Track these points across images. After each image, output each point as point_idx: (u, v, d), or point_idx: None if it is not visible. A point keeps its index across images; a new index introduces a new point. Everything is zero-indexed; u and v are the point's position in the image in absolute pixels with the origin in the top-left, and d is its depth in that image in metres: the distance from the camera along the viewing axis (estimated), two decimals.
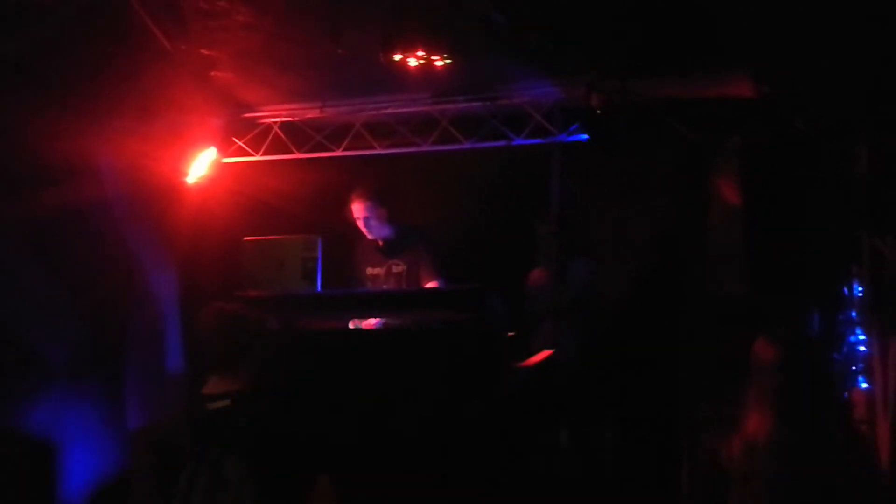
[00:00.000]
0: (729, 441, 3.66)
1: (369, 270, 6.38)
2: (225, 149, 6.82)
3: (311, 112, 6.70)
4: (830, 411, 3.86)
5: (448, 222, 6.76)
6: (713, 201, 5.88)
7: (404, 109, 6.60)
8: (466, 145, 6.59)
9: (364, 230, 6.28)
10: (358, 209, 6.24)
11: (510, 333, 5.85)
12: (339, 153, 6.81)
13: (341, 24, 4.64)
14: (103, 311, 5.54)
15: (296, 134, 6.83)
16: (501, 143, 6.53)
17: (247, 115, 6.76)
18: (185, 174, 6.41)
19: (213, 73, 5.59)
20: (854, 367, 5.42)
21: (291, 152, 6.83)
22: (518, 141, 6.49)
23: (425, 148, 6.69)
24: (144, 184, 5.84)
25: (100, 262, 5.52)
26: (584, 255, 6.37)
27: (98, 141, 5.26)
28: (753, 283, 5.66)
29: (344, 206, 6.32)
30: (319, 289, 5.87)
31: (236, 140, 6.85)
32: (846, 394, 5.43)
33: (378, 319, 5.70)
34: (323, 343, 5.29)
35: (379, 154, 6.78)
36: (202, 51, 5.13)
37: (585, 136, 6.22)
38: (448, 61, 4.67)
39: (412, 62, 4.68)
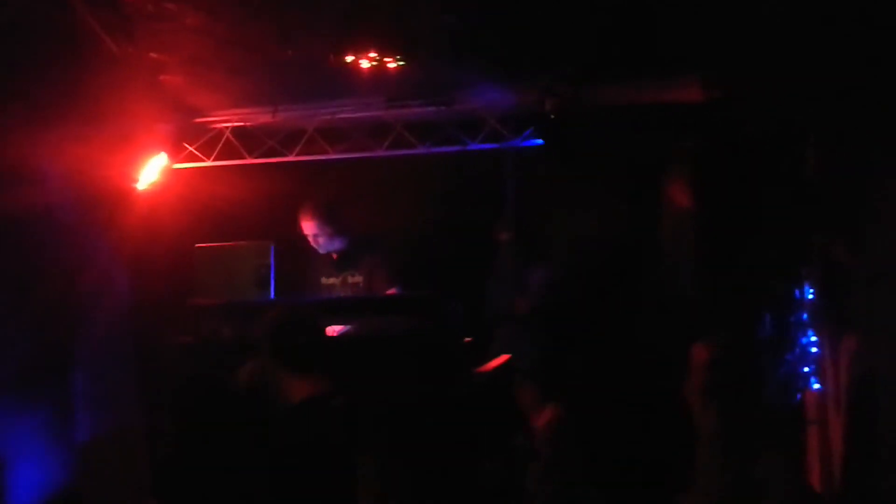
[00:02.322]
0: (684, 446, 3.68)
1: (324, 280, 6.34)
2: (176, 154, 6.73)
3: (263, 117, 6.62)
4: (759, 410, 3.92)
5: (403, 227, 6.73)
6: (665, 205, 5.90)
7: (358, 114, 6.55)
8: (421, 150, 6.56)
9: (316, 246, 6.24)
10: (307, 226, 6.21)
11: (467, 339, 5.84)
12: (291, 158, 6.75)
13: (291, 26, 4.59)
14: (50, 320, 5.43)
15: (248, 139, 6.75)
16: (456, 147, 6.52)
17: (198, 119, 6.66)
18: (135, 180, 6.31)
19: (162, 78, 5.51)
20: (806, 369, 5.46)
21: (243, 158, 6.75)
22: (473, 146, 6.48)
23: (379, 153, 6.65)
24: (93, 190, 5.74)
25: (47, 270, 5.41)
26: (542, 261, 6.37)
27: (44, 146, 5.16)
28: (705, 285, 5.69)
29: (297, 212, 6.28)
30: (273, 296, 5.81)
31: (187, 145, 6.76)
32: (799, 395, 5.48)
33: (338, 326, 5.67)
34: None
35: (332, 159, 6.73)
36: (151, 55, 5.05)
37: (540, 142, 6.23)
38: (401, 63, 4.64)
39: (364, 63, 4.64)
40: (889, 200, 4.23)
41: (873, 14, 4.09)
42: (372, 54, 4.57)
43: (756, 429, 5.11)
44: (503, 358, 6.11)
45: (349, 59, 4.57)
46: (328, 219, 6.22)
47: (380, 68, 4.62)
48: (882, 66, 4.19)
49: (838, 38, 4.22)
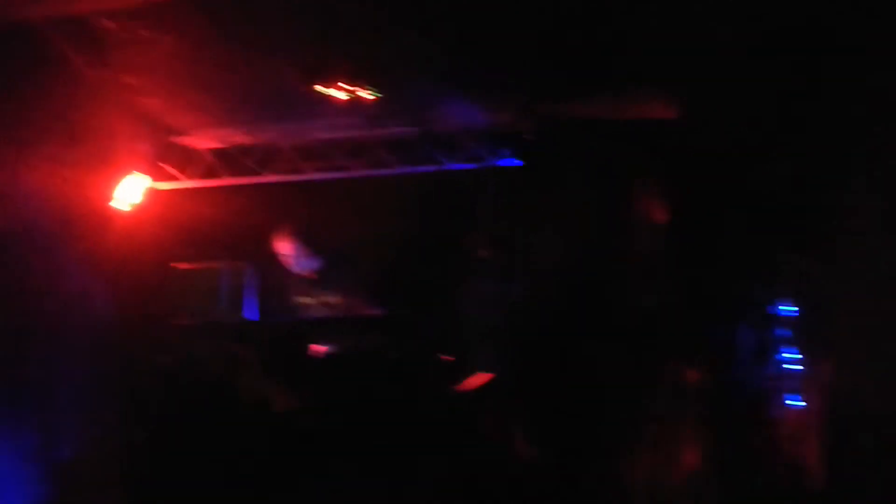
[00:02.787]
0: (655, 461, 3.69)
1: (300, 300, 6.35)
2: (154, 174, 6.71)
3: (240, 137, 6.63)
4: (754, 429, 3.92)
5: (381, 245, 6.74)
6: (639, 219, 5.93)
7: (335, 134, 6.56)
8: (399, 170, 6.58)
9: (291, 266, 6.25)
10: (284, 246, 6.22)
11: (446, 357, 5.85)
12: (268, 178, 6.75)
13: (262, 57, 4.60)
14: (30, 340, 5.41)
15: (226, 159, 6.76)
16: (434, 167, 6.53)
17: (176, 140, 6.67)
18: (114, 200, 6.29)
19: (138, 99, 5.50)
20: (784, 385, 5.49)
21: (221, 177, 6.75)
22: (450, 165, 6.50)
23: (357, 172, 6.66)
24: (71, 210, 5.72)
25: (26, 289, 5.39)
26: (516, 276, 6.39)
27: (22, 168, 5.15)
28: (679, 300, 5.72)
29: (274, 232, 6.28)
30: (251, 316, 5.82)
31: (165, 165, 6.75)
32: (779, 412, 5.51)
33: (322, 346, 5.69)
34: None
35: (310, 179, 6.73)
36: (126, 77, 5.05)
37: (517, 162, 6.26)
38: (374, 92, 4.66)
39: (339, 94, 4.66)
40: (859, 218, 4.28)
41: (834, 34, 4.15)
42: (346, 86, 4.58)
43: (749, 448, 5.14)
44: (485, 377, 6.12)
45: (321, 89, 4.57)
46: (305, 237, 6.23)
47: (355, 98, 4.63)
48: (844, 85, 4.24)
49: (805, 59, 4.27)
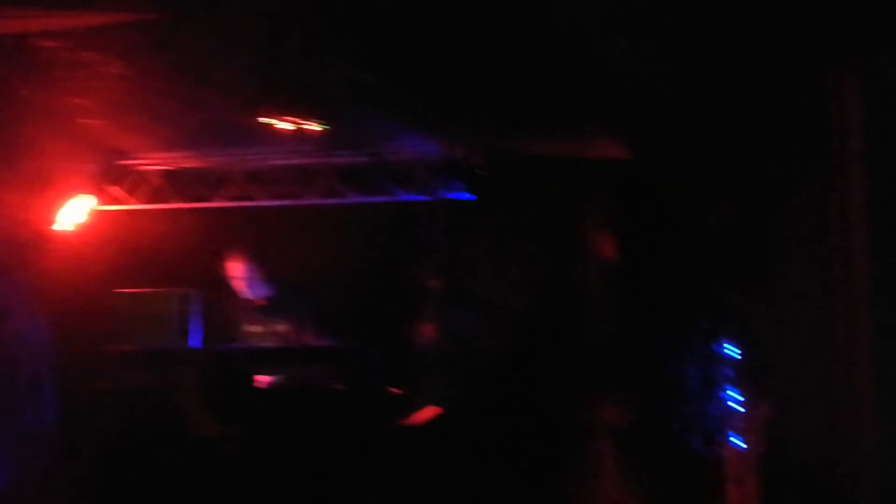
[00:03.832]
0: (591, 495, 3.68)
1: (249, 328, 6.27)
2: (101, 196, 6.63)
3: (190, 161, 6.57)
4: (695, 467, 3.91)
5: (331, 276, 6.69)
6: (587, 254, 5.95)
7: (286, 161, 6.52)
8: (350, 199, 6.55)
9: (241, 290, 6.17)
10: (235, 268, 6.15)
11: (394, 390, 5.81)
12: (218, 204, 6.68)
13: (202, 89, 4.57)
14: None
15: (174, 182, 6.68)
16: (386, 198, 6.51)
17: (123, 162, 6.59)
18: (56, 222, 6.20)
19: (83, 121, 5.43)
20: (728, 424, 5.50)
21: (170, 201, 6.68)
22: (403, 196, 6.48)
23: (309, 200, 6.62)
24: (11, 232, 5.62)
25: None
26: (468, 307, 6.37)
27: None
28: (625, 337, 5.73)
29: (223, 257, 6.21)
30: (196, 343, 5.75)
31: (111, 187, 6.67)
32: (721, 451, 5.51)
33: (266, 377, 5.62)
34: None
35: (261, 205, 6.67)
36: (69, 99, 4.98)
37: (469, 195, 6.26)
38: (321, 125, 4.64)
39: (283, 126, 4.63)
40: (798, 262, 4.30)
41: (779, 79, 4.19)
42: (290, 119, 4.55)
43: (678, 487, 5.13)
44: (432, 410, 6.08)
45: (266, 121, 4.54)
46: (257, 263, 6.18)
47: (301, 129, 4.60)
48: (795, 125, 4.27)
49: (750, 98, 4.31)
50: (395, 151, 6.31)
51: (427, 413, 6.05)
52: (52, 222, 6.16)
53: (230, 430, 5.08)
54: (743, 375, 5.27)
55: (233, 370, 5.25)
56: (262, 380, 5.66)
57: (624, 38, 4.07)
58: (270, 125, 4.70)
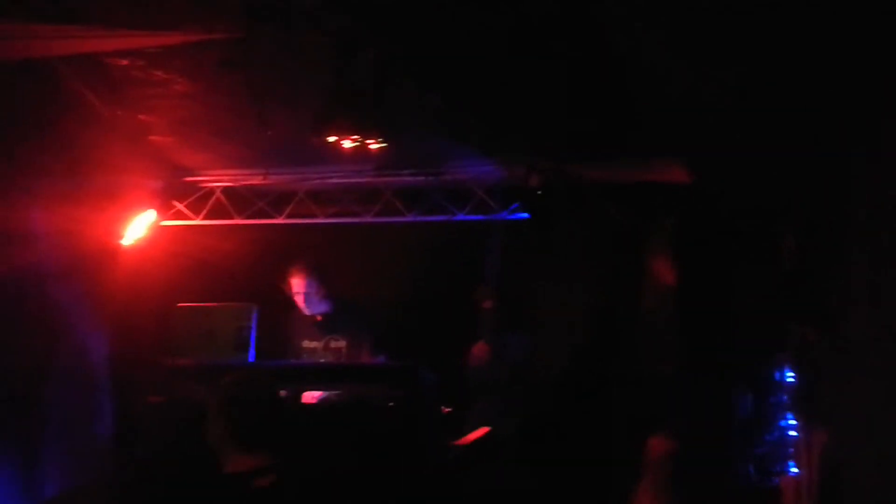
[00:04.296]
0: None
1: (306, 344, 6.32)
2: (165, 212, 6.76)
3: (254, 178, 6.67)
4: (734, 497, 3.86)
5: (388, 294, 6.74)
6: (647, 281, 5.93)
7: (348, 180, 6.60)
8: (409, 218, 6.61)
9: (302, 305, 6.22)
10: (297, 284, 6.20)
11: (446, 409, 5.80)
12: (281, 220, 6.78)
13: (269, 106, 4.66)
14: (26, 373, 5.41)
15: (238, 199, 6.80)
16: (444, 217, 6.56)
17: (187, 178, 6.72)
18: (121, 237, 6.33)
19: (151, 137, 5.55)
20: (784, 452, 5.43)
21: (233, 217, 6.79)
22: (461, 216, 6.53)
23: (368, 219, 6.69)
24: (77, 246, 5.75)
25: (26, 324, 5.41)
26: (522, 331, 6.36)
27: (30, 204, 5.20)
28: (683, 363, 5.69)
29: (283, 273, 6.28)
30: (252, 359, 5.80)
31: (176, 203, 6.80)
32: (777, 479, 5.44)
33: (316, 393, 5.64)
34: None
35: (321, 223, 6.76)
36: (139, 116, 5.11)
37: (526, 215, 6.28)
38: (383, 144, 4.69)
39: (346, 144, 4.69)
40: (863, 292, 4.25)
41: (851, 106, 4.16)
42: (354, 136, 4.62)
43: None
44: (482, 431, 6.07)
45: (331, 139, 4.61)
46: (319, 277, 6.22)
47: (363, 147, 4.67)
48: (856, 159, 4.24)
49: (816, 131, 4.29)
50: (454, 171, 6.36)
51: (478, 433, 6.04)
52: (117, 236, 6.29)
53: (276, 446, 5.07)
54: (801, 403, 5.21)
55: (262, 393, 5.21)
56: (312, 395, 5.70)
57: (689, 64, 4.08)
58: (333, 144, 4.77)
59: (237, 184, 6.73)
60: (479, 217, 6.51)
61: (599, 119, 4.96)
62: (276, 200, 6.81)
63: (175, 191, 6.77)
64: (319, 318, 6.31)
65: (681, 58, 4.17)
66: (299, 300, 6.23)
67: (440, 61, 4.33)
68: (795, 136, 4.41)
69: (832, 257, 4.67)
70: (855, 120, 4.19)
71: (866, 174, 4.22)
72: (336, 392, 5.64)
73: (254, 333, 5.85)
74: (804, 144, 4.42)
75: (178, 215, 6.83)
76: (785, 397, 5.44)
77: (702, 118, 4.58)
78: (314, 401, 5.60)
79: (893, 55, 3.85)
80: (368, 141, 4.64)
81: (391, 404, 5.45)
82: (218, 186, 6.76)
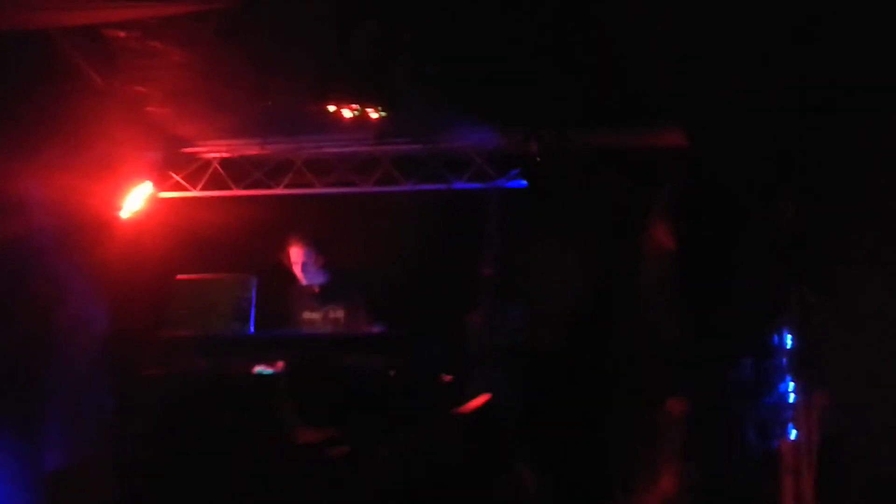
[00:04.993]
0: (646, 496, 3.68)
1: (306, 315, 6.33)
2: (162, 183, 6.73)
3: (250, 148, 6.65)
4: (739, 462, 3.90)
5: (386, 263, 6.73)
6: (646, 248, 5.93)
7: (345, 149, 6.58)
8: (407, 187, 6.59)
9: (300, 276, 6.23)
10: (296, 254, 6.20)
11: (446, 378, 5.82)
12: (278, 191, 6.76)
13: (269, 75, 4.63)
14: (24, 346, 5.41)
15: (235, 170, 6.77)
16: (442, 186, 6.55)
17: (185, 149, 6.68)
18: (118, 208, 6.31)
19: (148, 108, 5.52)
20: (784, 416, 5.46)
21: (230, 188, 6.77)
22: (458, 184, 6.52)
23: (366, 189, 6.68)
24: (73, 217, 5.73)
25: (23, 295, 5.40)
26: (521, 298, 6.38)
27: (26, 174, 5.18)
28: (684, 329, 5.71)
29: (281, 244, 6.28)
30: (252, 330, 5.81)
31: (173, 174, 6.77)
32: (776, 442, 5.48)
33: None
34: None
35: (318, 193, 6.74)
36: (135, 87, 5.08)
37: (524, 183, 6.27)
38: (382, 113, 4.68)
39: (347, 113, 4.68)
40: (863, 256, 4.26)
41: (852, 73, 4.15)
42: (353, 105, 4.60)
43: (736, 480, 5.10)
44: (483, 398, 6.09)
45: (331, 108, 4.59)
46: (318, 248, 6.23)
47: (363, 116, 4.65)
48: (858, 122, 4.24)
49: (815, 96, 4.28)
50: (452, 139, 6.34)
51: (479, 401, 6.06)
52: (114, 208, 6.27)
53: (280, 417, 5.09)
54: (800, 366, 5.24)
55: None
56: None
57: (687, 30, 4.06)
58: (331, 113, 4.75)
59: (234, 154, 6.70)
60: (478, 185, 6.50)
61: (598, 85, 4.94)
62: (274, 171, 6.78)
63: (172, 162, 6.74)
64: (317, 289, 6.31)
65: (680, 22, 4.15)
66: (297, 270, 6.24)
67: (439, 27, 4.30)
68: (795, 99, 4.40)
69: (832, 221, 4.68)
70: (857, 83, 4.18)
71: (867, 136, 4.22)
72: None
73: (253, 304, 5.85)
74: (804, 108, 4.41)
75: (176, 187, 6.80)
76: (784, 361, 5.47)
77: (700, 82, 4.56)
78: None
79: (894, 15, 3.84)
80: (368, 110, 4.62)
81: (391, 373, 5.47)
82: (215, 157, 6.73)
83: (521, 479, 5.99)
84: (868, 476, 4.11)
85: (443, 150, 6.44)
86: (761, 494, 5.27)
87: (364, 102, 4.60)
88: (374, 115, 4.71)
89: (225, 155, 6.72)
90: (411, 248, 6.82)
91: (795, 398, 5.37)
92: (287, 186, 6.75)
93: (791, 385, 5.42)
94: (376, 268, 6.63)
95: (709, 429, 3.99)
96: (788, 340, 5.44)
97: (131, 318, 5.99)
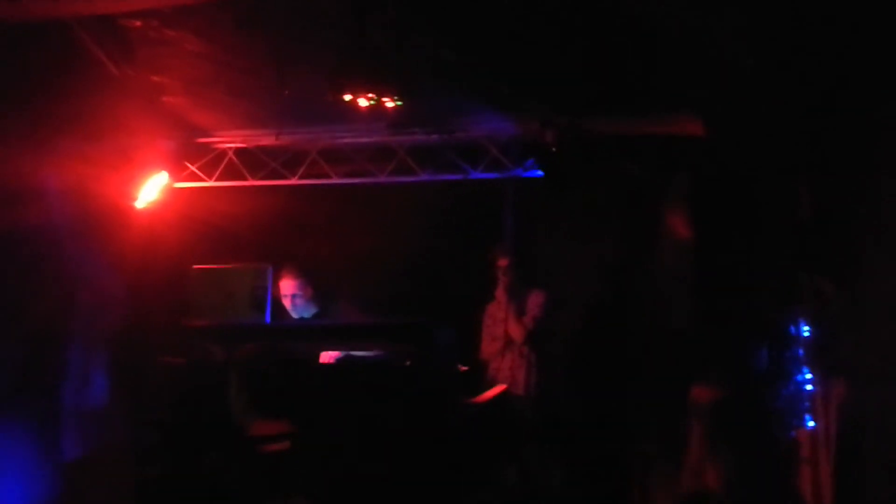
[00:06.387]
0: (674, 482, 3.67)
1: None
2: (178, 173, 6.75)
3: (266, 139, 6.65)
4: (769, 450, 3.88)
5: (402, 254, 6.74)
6: (662, 237, 5.92)
7: (361, 139, 6.58)
8: (423, 177, 6.59)
9: (289, 309, 6.24)
10: (286, 286, 6.21)
11: (463, 368, 5.82)
12: (294, 181, 6.77)
13: (287, 66, 4.63)
14: (42, 335, 5.44)
15: (250, 160, 6.78)
16: (457, 175, 6.54)
17: (200, 139, 6.70)
18: (134, 198, 6.33)
19: (164, 98, 5.53)
20: (801, 406, 5.45)
21: (245, 179, 6.78)
22: (474, 174, 6.51)
23: (381, 178, 6.68)
24: (90, 207, 5.76)
25: (42, 285, 5.43)
26: (538, 288, 6.37)
27: (42, 163, 5.20)
28: (700, 318, 5.69)
29: (279, 270, 6.24)
30: (268, 319, 5.82)
31: (189, 165, 6.79)
32: (793, 432, 5.46)
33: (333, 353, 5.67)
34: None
35: (334, 183, 6.75)
36: (152, 76, 5.09)
37: (541, 172, 6.26)
38: (399, 103, 4.67)
39: (362, 102, 4.67)
40: (880, 245, 4.24)
41: (867, 63, 4.12)
42: (369, 94, 4.60)
43: (768, 468, 5.08)
44: (499, 388, 6.09)
45: (347, 97, 4.59)
46: (309, 279, 6.23)
47: (379, 105, 4.64)
48: (874, 111, 4.21)
49: (829, 85, 4.25)
50: (468, 129, 6.33)
51: (494, 391, 6.07)
52: (130, 198, 6.30)
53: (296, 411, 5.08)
54: (817, 356, 5.21)
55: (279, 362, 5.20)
56: (329, 355, 5.72)
57: (703, 17, 4.04)
58: (346, 102, 4.75)
59: (249, 144, 6.71)
60: (493, 175, 6.49)
61: (614, 73, 4.93)
62: (289, 161, 6.79)
63: (188, 152, 6.75)
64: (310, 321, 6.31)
65: (696, 8, 4.13)
66: (286, 303, 6.24)
67: (454, 16, 4.29)
68: (812, 86, 4.38)
69: (849, 210, 4.66)
70: (875, 69, 4.16)
71: (885, 125, 4.20)
72: (353, 351, 5.66)
73: (269, 294, 5.86)
74: (822, 96, 4.39)
75: (191, 177, 6.82)
76: (801, 350, 5.45)
77: (716, 70, 4.54)
78: (332, 360, 5.61)
79: None
80: (384, 99, 4.62)
81: (408, 363, 5.47)
82: (230, 147, 6.75)
83: (531, 470, 6.01)
84: (886, 466, 4.08)
85: (458, 139, 6.43)
86: (787, 485, 5.25)
87: (380, 91, 4.59)
88: (389, 104, 4.69)
89: (240, 145, 6.73)
90: (427, 239, 6.83)
91: (813, 388, 5.36)
92: (302, 177, 6.76)
93: (808, 375, 5.40)
94: (392, 257, 6.65)
95: (739, 417, 3.97)
96: (805, 330, 5.42)
97: (147, 307, 6.02)
